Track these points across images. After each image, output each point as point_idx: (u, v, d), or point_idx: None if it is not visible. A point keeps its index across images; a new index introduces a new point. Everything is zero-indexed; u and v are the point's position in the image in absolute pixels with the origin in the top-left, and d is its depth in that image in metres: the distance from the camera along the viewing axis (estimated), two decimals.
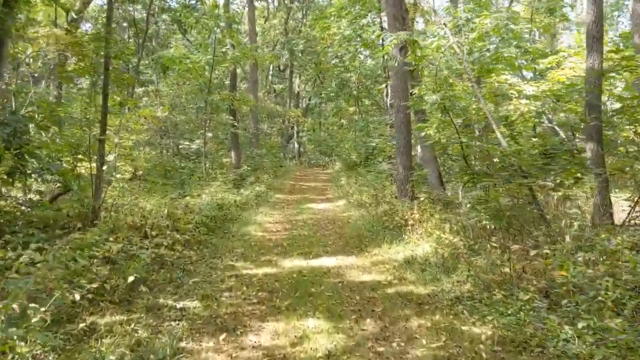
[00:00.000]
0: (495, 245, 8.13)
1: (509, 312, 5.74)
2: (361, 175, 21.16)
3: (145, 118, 13.93)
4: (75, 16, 18.35)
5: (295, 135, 38.29)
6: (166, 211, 10.97)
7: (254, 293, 7.27)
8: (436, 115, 11.16)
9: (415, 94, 10.93)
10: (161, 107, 13.40)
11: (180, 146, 23.51)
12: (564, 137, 13.25)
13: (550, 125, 14.08)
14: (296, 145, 38.42)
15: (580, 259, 6.51)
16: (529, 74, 16.68)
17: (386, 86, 21.70)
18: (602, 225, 8.54)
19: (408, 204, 12.49)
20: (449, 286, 7.13)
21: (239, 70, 33.87)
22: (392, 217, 12.08)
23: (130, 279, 6.65)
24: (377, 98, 24.90)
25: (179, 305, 6.63)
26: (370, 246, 10.38)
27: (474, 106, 10.71)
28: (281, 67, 42.89)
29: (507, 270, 6.78)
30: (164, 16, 23.46)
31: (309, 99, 41.58)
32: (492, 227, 9.34)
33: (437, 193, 13.13)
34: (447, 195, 13.01)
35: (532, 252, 7.36)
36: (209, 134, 25.83)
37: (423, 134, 11.03)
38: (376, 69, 24.66)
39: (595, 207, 9.30)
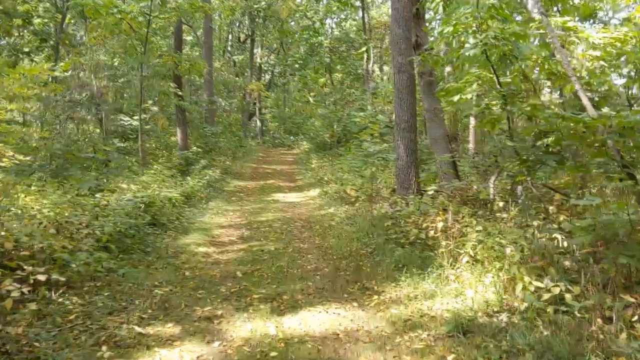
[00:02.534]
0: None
1: None
2: (338, 158, 16.99)
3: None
4: None
5: (257, 112, 33.70)
6: (44, 223, 6.58)
7: None
8: (472, 72, 7.06)
9: (442, 33, 6.75)
10: (61, 64, 8.89)
11: (119, 122, 18.68)
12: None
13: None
14: (258, 123, 33.85)
15: None
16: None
17: (367, 50, 17.49)
18: None
19: (418, 202, 8.44)
20: None
21: (190, 37, 28.96)
22: (398, 223, 8.00)
23: None
24: (356, 65, 20.68)
25: None
26: (378, 279, 6.28)
27: (534, 57, 6.65)
28: (241, 38, 37.96)
29: None
30: None
31: (272, 72, 36.86)
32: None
33: (452, 186, 9.11)
34: (470, 190, 9.02)
35: None
36: (155, 108, 21.17)
37: (456, 97, 6.84)
38: (351, 31, 20.41)
39: None
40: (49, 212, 7.60)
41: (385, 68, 25.78)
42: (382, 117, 13.20)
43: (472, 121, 13.41)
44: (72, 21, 17.61)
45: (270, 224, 9.98)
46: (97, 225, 7.16)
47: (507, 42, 5.97)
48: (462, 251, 6.22)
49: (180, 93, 15.04)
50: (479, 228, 6.48)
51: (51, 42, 18.53)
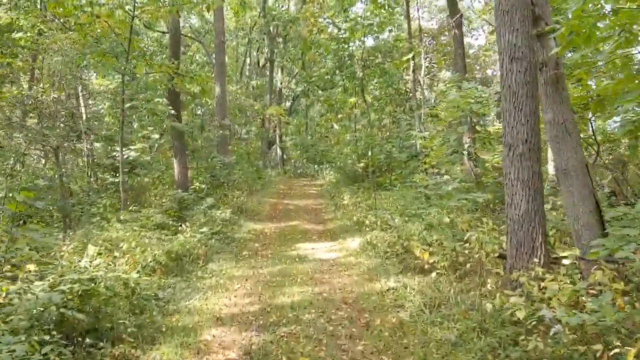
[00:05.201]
0: None
1: None
2: (381, 193, 12.84)
3: None
4: None
5: (277, 139, 29.87)
6: None
7: None
8: None
9: None
10: None
11: (120, 154, 14.83)
12: None
13: None
14: (279, 152, 29.98)
15: None
16: None
17: (414, 57, 13.49)
18: None
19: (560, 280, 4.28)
20: None
21: (202, 58, 25.38)
22: (550, 336, 3.83)
23: None
24: (395, 79, 16.65)
25: None
26: None
27: None
28: (260, 62, 34.44)
29: None
30: None
31: (293, 98, 33.09)
32: None
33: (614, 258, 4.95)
34: None
35: None
36: (155, 135, 17.42)
37: None
38: (389, 39, 16.48)
39: None
40: None
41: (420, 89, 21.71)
42: (451, 138, 9.11)
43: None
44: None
45: (298, 314, 5.84)
46: None
47: None
48: None
49: (172, 111, 11.13)
50: None
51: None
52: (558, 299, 4.52)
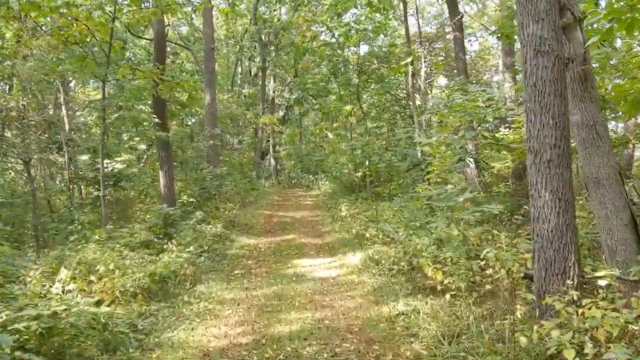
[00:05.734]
0: None
1: None
2: (381, 204, 12.15)
3: None
4: None
5: (271, 149, 29.15)
6: None
7: None
8: None
9: None
10: None
11: (101, 166, 14.07)
12: None
13: None
14: (272, 162, 29.27)
15: None
16: None
17: (411, 63, 12.85)
18: None
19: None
20: None
21: (192, 66, 24.69)
22: None
23: None
24: (392, 85, 16.03)
25: None
26: None
27: None
28: (252, 71, 33.76)
29: None
30: None
31: (287, 106, 32.42)
32: None
33: None
34: None
35: None
36: (142, 146, 16.69)
37: None
38: (385, 45, 15.89)
39: None
40: None
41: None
42: (457, 145, 8.43)
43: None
44: None
45: (297, 347, 5.09)
46: None
47: None
48: None
49: (156, 119, 10.40)
50: None
51: None
52: (606, 330, 3.82)
